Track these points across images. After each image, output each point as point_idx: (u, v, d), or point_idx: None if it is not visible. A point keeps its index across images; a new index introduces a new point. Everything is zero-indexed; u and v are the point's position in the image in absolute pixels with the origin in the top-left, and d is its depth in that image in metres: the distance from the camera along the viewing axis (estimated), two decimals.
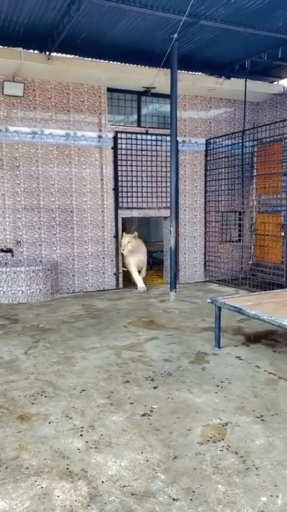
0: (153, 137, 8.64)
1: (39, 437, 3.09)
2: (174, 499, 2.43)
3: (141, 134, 8.53)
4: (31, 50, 7.01)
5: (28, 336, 5.50)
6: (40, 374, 4.24)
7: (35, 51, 7.05)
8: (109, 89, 8.27)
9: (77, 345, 5.13)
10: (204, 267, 9.57)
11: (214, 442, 3.01)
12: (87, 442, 3.01)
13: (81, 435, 3.11)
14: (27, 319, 6.31)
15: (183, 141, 8.99)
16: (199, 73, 8.42)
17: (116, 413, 3.43)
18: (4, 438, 3.09)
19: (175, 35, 6.43)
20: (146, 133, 8.55)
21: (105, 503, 2.39)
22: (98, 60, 7.54)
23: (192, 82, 8.24)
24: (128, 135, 8.44)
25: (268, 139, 8.24)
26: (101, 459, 2.81)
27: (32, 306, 7.06)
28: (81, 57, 7.44)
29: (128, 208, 8.59)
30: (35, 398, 3.72)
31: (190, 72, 8.27)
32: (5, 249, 7.76)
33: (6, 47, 6.83)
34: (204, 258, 9.56)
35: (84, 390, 3.86)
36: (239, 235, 9.36)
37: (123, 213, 8.58)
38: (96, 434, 3.12)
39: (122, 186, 8.49)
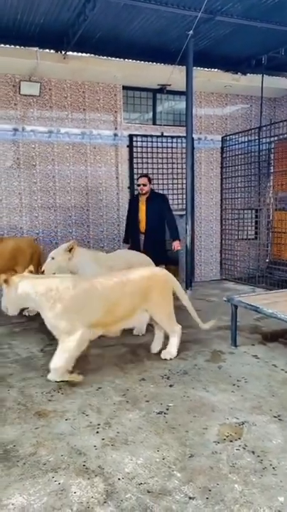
0: (169, 134, 8.63)
1: (56, 434, 3.12)
2: (190, 498, 2.42)
3: (157, 136, 8.52)
4: (47, 50, 7.03)
5: (45, 334, 5.54)
6: None
7: (51, 50, 7.07)
8: (124, 88, 8.26)
9: (93, 342, 5.14)
10: (220, 265, 9.50)
11: (231, 441, 2.99)
12: (103, 439, 3.03)
13: (97, 432, 3.13)
14: None
15: (199, 139, 8.93)
16: (215, 70, 8.33)
17: (132, 411, 3.44)
18: (22, 434, 3.13)
19: (191, 32, 6.37)
20: (162, 135, 8.54)
21: (121, 500, 2.40)
22: (113, 58, 7.54)
23: (208, 78, 8.17)
24: (144, 133, 8.46)
25: (286, 135, 8.13)
26: (117, 456, 2.82)
27: None
28: (96, 56, 7.44)
29: None
30: (51, 395, 3.75)
31: (205, 69, 8.18)
32: None
33: (22, 47, 6.88)
34: (220, 256, 9.49)
35: (100, 388, 3.88)
36: (256, 233, 9.27)
37: None
38: (112, 432, 3.13)
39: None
